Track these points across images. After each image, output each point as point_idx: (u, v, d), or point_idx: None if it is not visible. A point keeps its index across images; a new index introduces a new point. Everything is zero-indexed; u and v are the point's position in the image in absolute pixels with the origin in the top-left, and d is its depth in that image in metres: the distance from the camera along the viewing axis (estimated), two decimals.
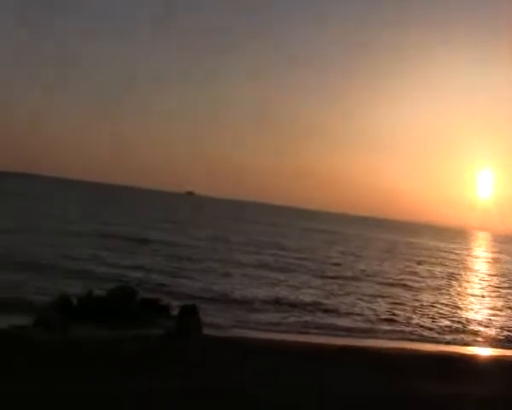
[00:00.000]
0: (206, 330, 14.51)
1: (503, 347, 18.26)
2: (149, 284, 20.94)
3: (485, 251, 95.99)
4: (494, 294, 32.03)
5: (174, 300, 17.79)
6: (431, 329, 19.32)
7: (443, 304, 25.03)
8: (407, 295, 26.67)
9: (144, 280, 21.42)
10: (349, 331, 17.51)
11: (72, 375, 9.27)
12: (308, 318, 18.24)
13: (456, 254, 71.32)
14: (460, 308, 24.79)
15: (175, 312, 15.73)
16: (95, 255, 26.75)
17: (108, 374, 9.55)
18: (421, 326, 19.48)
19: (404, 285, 29.98)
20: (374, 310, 21.18)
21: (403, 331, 18.45)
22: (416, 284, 31.33)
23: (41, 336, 11.69)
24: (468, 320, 21.85)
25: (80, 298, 15.63)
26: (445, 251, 73.15)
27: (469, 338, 18.78)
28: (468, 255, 73.15)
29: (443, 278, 38.01)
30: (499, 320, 22.60)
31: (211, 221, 74.37)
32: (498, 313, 24.67)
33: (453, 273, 41.98)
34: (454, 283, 35.71)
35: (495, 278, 43.01)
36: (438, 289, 30.86)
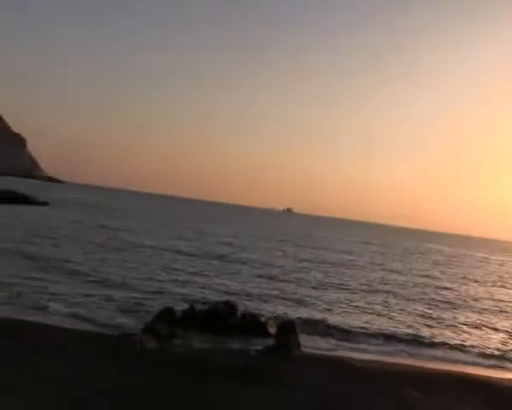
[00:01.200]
0: (304, 349, 14.52)
1: None
2: (251, 299, 21.36)
3: None
4: None
5: (273, 317, 18.00)
6: None
7: None
8: None
9: (245, 297, 21.88)
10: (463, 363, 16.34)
11: (174, 381, 9.84)
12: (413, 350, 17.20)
13: None
14: None
15: (274, 329, 15.93)
16: (198, 272, 27.76)
17: (205, 384, 9.96)
18: None
19: None
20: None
21: None
22: None
23: (149, 344, 12.41)
24: None
25: (184, 311, 16.40)
26: None
27: None
28: None
29: None
30: None
31: (313, 239, 74.27)
32: None
33: None
34: None
35: None
36: None
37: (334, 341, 16.75)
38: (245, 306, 18.95)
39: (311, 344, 15.58)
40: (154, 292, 20.63)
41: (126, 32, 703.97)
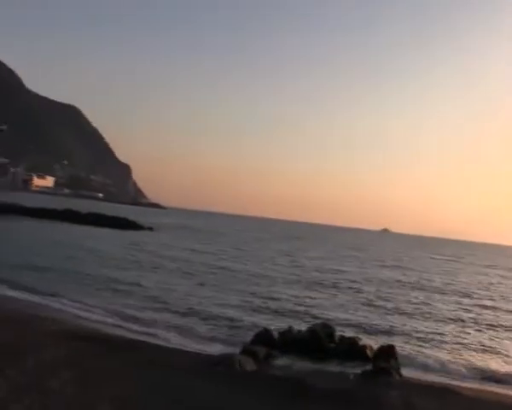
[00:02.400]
0: (405, 373, 14.04)
1: None
2: (349, 322, 21.05)
3: None
4: None
5: (371, 340, 17.60)
6: None
7: None
8: None
9: (343, 319, 21.61)
10: None
11: (275, 403, 9.97)
12: None
13: None
14: None
15: (373, 353, 15.58)
16: (296, 296, 27.81)
17: (305, 406, 9.98)
18: None
19: None
20: None
21: None
22: None
23: (248, 366, 12.67)
24: None
25: (281, 333, 16.55)
26: None
27: None
28: None
29: None
30: None
31: (413, 261, 71.61)
32: None
33: None
34: None
35: None
36: None
37: (433, 369, 15.90)
38: (342, 330, 18.69)
39: (411, 370, 15.03)
40: (250, 313, 21.04)
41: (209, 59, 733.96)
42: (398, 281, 40.73)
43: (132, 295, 22.71)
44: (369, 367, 13.91)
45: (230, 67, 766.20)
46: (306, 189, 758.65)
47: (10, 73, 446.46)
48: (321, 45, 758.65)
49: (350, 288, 32.77)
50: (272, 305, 23.40)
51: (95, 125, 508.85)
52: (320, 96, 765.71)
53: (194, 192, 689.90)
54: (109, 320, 17.82)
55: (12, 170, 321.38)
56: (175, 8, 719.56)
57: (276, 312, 21.90)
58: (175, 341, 15.88)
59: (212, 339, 16.66)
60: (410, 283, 40.33)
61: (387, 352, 14.92)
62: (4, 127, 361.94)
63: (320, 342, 15.90)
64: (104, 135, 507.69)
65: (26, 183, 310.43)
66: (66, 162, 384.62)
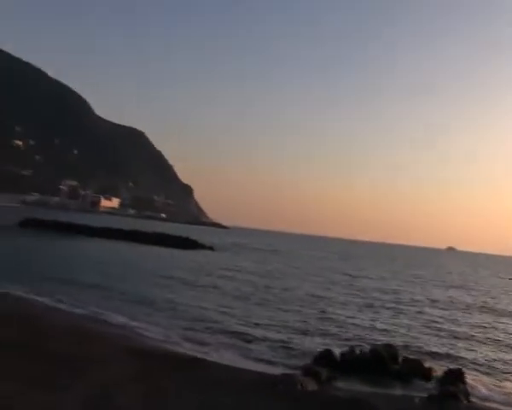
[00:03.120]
0: (474, 400, 13.45)
1: None
2: (411, 344, 20.44)
3: None
4: None
5: (435, 364, 17.00)
6: None
7: None
8: None
9: (405, 341, 21.01)
10: None
11: None
12: None
13: None
14: None
15: (439, 375, 15.05)
16: (355, 316, 27.36)
17: None
18: None
19: None
20: None
21: None
22: None
23: (309, 386, 12.59)
24: None
25: (343, 353, 16.30)
26: None
27: None
28: None
29: None
30: None
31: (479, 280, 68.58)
32: None
33: None
34: None
35: None
36: None
37: (497, 400, 14.89)
38: (405, 352, 18.12)
39: (481, 395, 14.35)
40: (310, 334, 20.88)
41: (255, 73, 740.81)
42: (464, 302, 39.06)
43: (191, 314, 23.01)
44: (435, 391, 13.45)
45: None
46: (369, 208, 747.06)
47: (79, 99, 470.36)
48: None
49: (412, 309, 31.74)
50: (331, 326, 23.07)
51: (158, 148, 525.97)
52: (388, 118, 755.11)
53: (256, 211, 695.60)
54: (171, 339, 18.12)
55: (82, 192, 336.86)
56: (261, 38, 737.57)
57: (335, 334, 21.59)
58: (235, 361, 15.99)
59: (272, 360, 16.62)
60: (475, 304, 38.59)
61: (456, 375, 14.38)
62: (75, 152, 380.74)
63: (383, 363, 15.53)
64: (167, 157, 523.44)
65: (95, 204, 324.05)
66: (131, 184, 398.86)
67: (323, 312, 26.97)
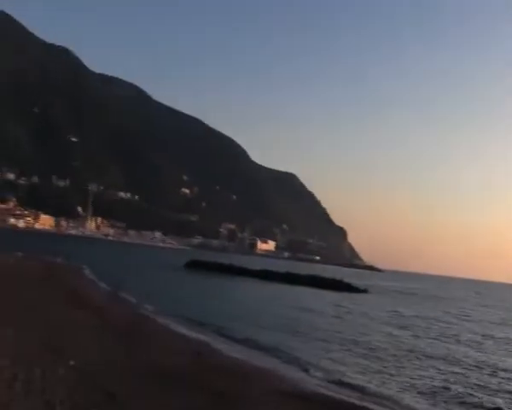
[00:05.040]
0: None
1: None
2: None
3: None
4: None
5: None
6: None
7: None
8: None
9: None
10: None
11: None
12: None
13: None
14: None
15: None
16: None
17: None
18: None
19: None
20: None
21: None
22: None
23: None
24: None
25: None
26: None
27: None
28: None
29: None
30: None
31: None
32: None
33: None
34: None
35: None
36: None
37: None
38: None
39: None
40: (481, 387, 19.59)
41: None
42: None
43: (353, 358, 22.85)
44: None
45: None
46: None
47: (237, 146, 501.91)
48: None
49: None
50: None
51: (310, 189, 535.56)
52: None
53: (412, 255, 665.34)
54: (331, 384, 17.90)
55: (239, 235, 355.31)
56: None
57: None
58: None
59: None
60: None
61: None
62: (234, 197, 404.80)
63: None
64: (320, 199, 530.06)
65: (251, 246, 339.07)
66: (285, 227, 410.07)
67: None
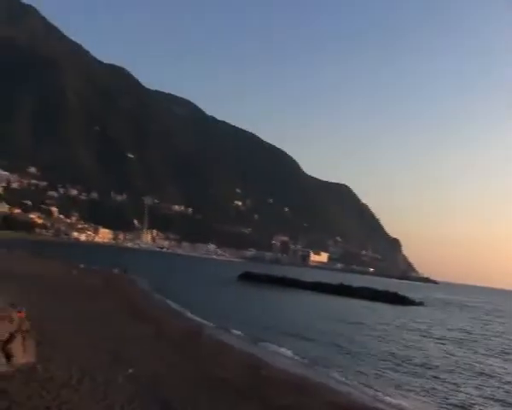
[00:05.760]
0: None
1: None
2: None
3: None
4: None
5: None
6: None
7: None
8: None
9: None
10: None
11: None
12: None
13: None
14: None
15: None
16: None
17: None
18: None
19: None
20: None
21: None
22: None
23: None
24: None
25: None
26: None
27: None
28: None
29: None
30: None
31: None
32: None
33: None
34: None
35: None
36: None
37: None
38: None
39: None
40: None
41: None
42: None
43: (406, 376, 22.57)
44: None
45: None
46: None
47: (290, 159, 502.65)
48: None
49: None
50: None
51: (364, 201, 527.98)
52: None
53: (469, 267, 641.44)
54: (387, 398, 18.00)
55: (292, 247, 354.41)
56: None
57: None
58: None
59: None
60: None
61: None
62: (286, 209, 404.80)
63: None
64: (373, 210, 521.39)
65: (304, 258, 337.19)
66: (339, 238, 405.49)
67: None
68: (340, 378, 20.38)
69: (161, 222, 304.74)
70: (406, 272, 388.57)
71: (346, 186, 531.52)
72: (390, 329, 39.41)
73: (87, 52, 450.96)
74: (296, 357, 23.64)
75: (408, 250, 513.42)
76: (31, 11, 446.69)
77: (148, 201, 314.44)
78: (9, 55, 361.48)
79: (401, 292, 79.23)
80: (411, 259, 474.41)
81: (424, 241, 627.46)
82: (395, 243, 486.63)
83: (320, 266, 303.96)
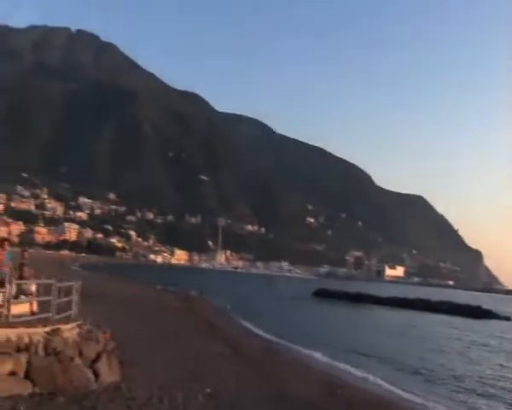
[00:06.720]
0: None
1: None
2: None
3: None
4: None
5: None
6: None
7: None
8: None
9: None
10: None
11: None
12: None
13: None
14: None
15: None
16: None
17: None
18: None
19: None
20: None
21: None
22: None
23: None
24: None
25: None
26: None
27: None
28: None
29: None
30: None
31: None
32: None
33: None
34: None
35: None
36: None
37: None
38: None
39: None
40: None
41: None
42: None
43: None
44: None
45: None
46: None
47: (360, 172, 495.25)
48: None
49: None
50: None
51: (441, 212, 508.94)
52: None
53: None
54: None
55: (366, 262, 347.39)
56: None
57: None
58: None
59: None
60: None
61: None
62: (359, 224, 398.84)
63: None
64: (451, 221, 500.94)
65: (379, 273, 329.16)
66: (415, 251, 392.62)
67: None
68: (427, 403, 19.68)
69: (235, 242, 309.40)
70: (489, 284, 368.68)
71: (421, 197, 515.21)
72: (475, 348, 37.33)
73: (161, 81, 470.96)
74: (371, 377, 23.15)
75: (491, 261, 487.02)
76: (110, 48, 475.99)
77: (221, 222, 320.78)
78: (94, 91, 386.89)
79: (484, 305, 75.31)
80: (495, 271, 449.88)
81: (509, 251, 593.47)
82: (476, 255, 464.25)
83: (396, 281, 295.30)
